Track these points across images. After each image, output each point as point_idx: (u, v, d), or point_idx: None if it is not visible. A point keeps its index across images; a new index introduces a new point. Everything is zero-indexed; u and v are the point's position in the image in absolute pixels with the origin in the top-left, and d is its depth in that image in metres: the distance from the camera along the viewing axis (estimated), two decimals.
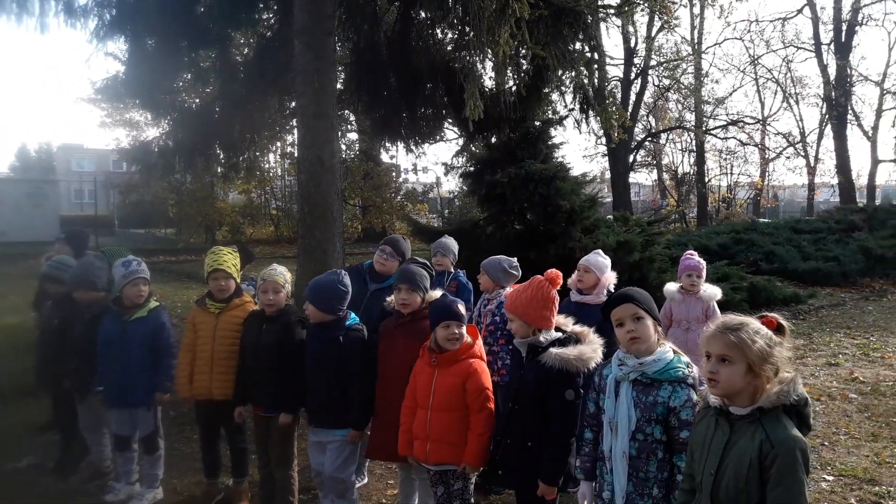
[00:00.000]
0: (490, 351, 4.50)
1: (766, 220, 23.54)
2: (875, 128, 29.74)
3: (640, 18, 24.36)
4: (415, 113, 9.54)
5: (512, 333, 3.34)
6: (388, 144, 12.93)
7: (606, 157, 27.78)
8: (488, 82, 8.20)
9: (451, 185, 29.65)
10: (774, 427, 2.14)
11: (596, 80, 9.21)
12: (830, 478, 4.84)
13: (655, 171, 35.42)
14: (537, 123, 9.52)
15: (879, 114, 29.57)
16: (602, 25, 11.37)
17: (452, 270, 5.54)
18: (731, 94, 42.20)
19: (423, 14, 8.66)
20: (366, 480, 4.84)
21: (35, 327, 5.42)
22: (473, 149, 11.01)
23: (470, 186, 10.33)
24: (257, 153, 12.46)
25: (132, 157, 11.81)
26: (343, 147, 24.36)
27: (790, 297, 11.68)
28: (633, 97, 26.85)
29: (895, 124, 28.51)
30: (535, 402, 3.08)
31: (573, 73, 8.62)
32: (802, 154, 32.21)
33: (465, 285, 5.36)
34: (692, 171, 32.76)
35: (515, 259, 4.96)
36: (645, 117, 30.58)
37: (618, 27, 23.20)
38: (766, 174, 34.57)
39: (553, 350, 3.03)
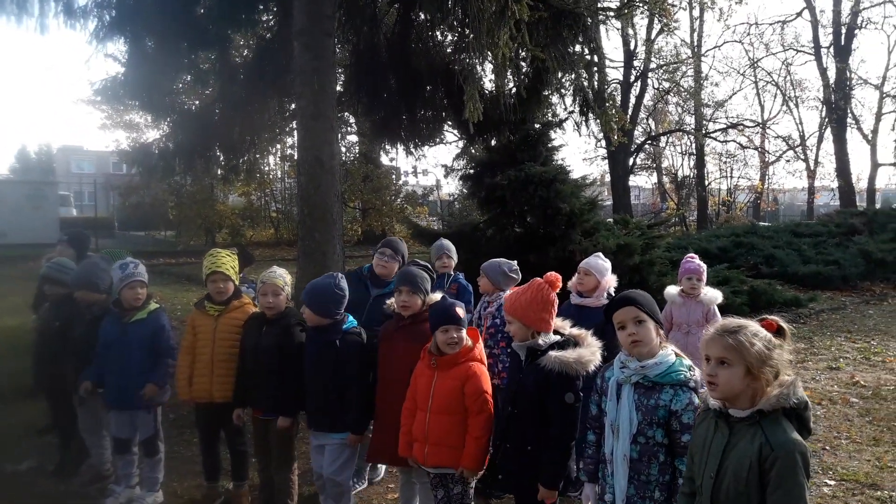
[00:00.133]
0: (490, 354, 4.49)
1: (767, 224, 23.56)
2: (875, 131, 29.76)
3: (640, 21, 24.45)
4: (414, 115, 9.53)
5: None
6: (387, 147, 12.91)
7: (606, 160, 27.80)
8: (488, 84, 8.20)
9: (451, 187, 29.66)
10: (774, 430, 2.13)
11: (596, 83, 9.22)
12: (832, 482, 4.83)
13: (655, 174, 35.41)
14: (537, 126, 9.52)
15: (879, 117, 29.60)
16: (602, 28, 11.35)
17: (452, 273, 5.53)
18: (730, 98, 42.12)
19: (422, 16, 8.66)
20: (366, 484, 4.83)
21: (34, 329, 5.41)
22: (473, 151, 11.00)
23: (470, 189, 10.33)
24: (257, 155, 12.44)
25: (132, 159, 11.79)
26: (343, 149, 24.36)
27: (790, 300, 11.66)
28: (632, 100, 26.87)
29: (895, 128, 28.55)
30: (534, 405, 3.07)
31: (573, 76, 8.62)
32: (802, 157, 32.26)
33: (466, 287, 5.35)
34: (692, 174, 32.75)
35: (515, 262, 4.95)
36: (645, 120, 30.62)
37: (617, 30, 23.17)
38: (766, 177, 34.61)
39: (552, 353, 3.02)
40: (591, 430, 2.96)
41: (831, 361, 8.38)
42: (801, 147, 32.21)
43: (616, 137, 10.54)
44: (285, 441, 4.14)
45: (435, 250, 5.71)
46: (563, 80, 8.89)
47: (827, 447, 5.49)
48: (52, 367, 4.85)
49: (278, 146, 23.08)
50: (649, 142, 31.29)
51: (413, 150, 10.68)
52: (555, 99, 9.48)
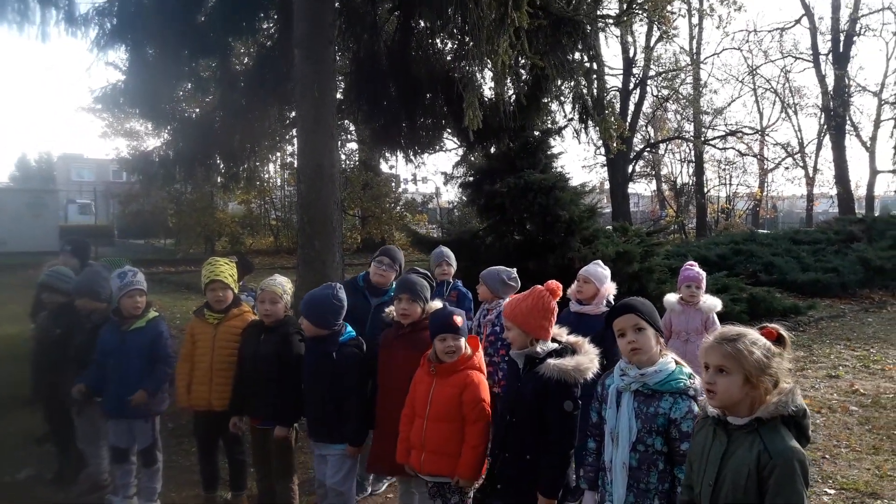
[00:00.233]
0: (490, 361, 4.49)
1: (765, 231, 23.58)
2: (873, 138, 29.85)
3: (639, 28, 24.57)
4: (414, 123, 9.55)
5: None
6: (387, 154, 12.99)
7: (605, 168, 27.85)
8: (488, 92, 8.23)
9: (451, 195, 29.76)
10: (773, 438, 2.13)
11: (595, 90, 9.25)
12: (832, 491, 4.82)
13: (654, 181, 35.51)
14: (536, 133, 9.55)
15: (878, 124, 29.67)
16: (601, 35, 11.40)
17: (451, 280, 5.53)
18: (729, 105, 42.47)
19: (422, 24, 8.69)
20: (368, 492, 4.80)
21: (32, 337, 5.40)
22: (473, 159, 11.04)
23: (469, 196, 10.34)
24: (257, 163, 12.47)
25: (132, 166, 11.83)
26: (342, 157, 24.42)
27: (789, 308, 11.66)
28: (631, 107, 26.94)
29: (893, 135, 28.60)
30: (532, 413, 3.06)
31: (572, 83, 8.65)
32: (801, 164, 32.35)
33: (466, 294, 5.35)
34: (691, 181, 32.84)
35: (514, 270, 4.95)
36: (644, 127, 30.69)
37: (617, 37, 23.38)
38: (765, 185, 34.65)
39: (551, 361, 3.01)
40: (591, 438, 2.95)
41: (830, 369, 8.37)
42: (799, 154, 32.33)
43: (615, 145, 10.58)
44: (285, 450, 4.13)
45: (434, 258, 5.71)
46: (563, 88, 8.93)
47: (826, 456, 5.48)
48: (52, 376, 4.83)
49: (278, 154, 23.15)
50: (648, 149, 31.39)
51: (413, 157, 10.72)
52: (554, 106, 9.53)
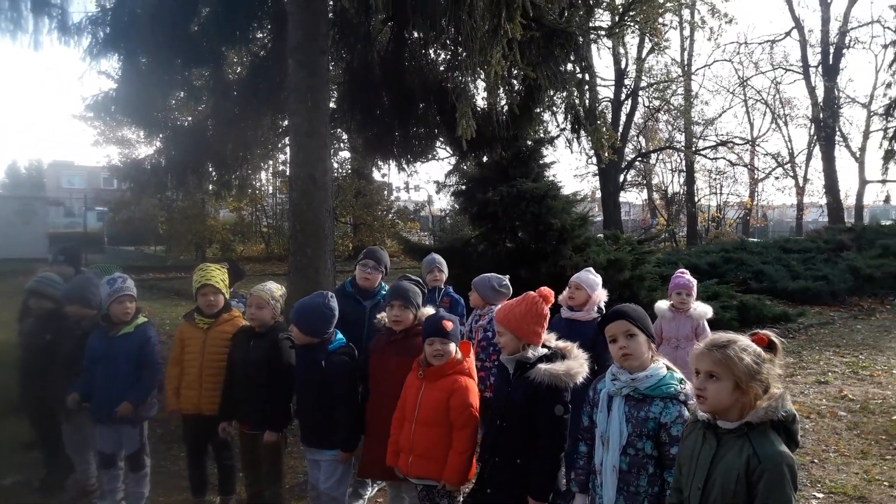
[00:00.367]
0: (482, 367, 4.51)
1: (756, 240, 23.69)
2: (863, 149, 30.07)
3: (631, 40, 24.76)
4: (407, 132, 9.58)
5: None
6: (380, 163, 13.03)
7: (597, 177, 27.94)
8: (480, 102, 8.27)
9: (443, 203, 29.79)
10: (762, 442, 2.15)
11: (587, 101, 9.30)
12: (820, 495, 4.85)
13: (645, 190, 35.62)
14: (529, 143, 9.61)
15: (867, 135, 29.89)
16: (593, 47, 11.51)
17: (443, 287, 5.55)
18: (720, 115, 42.78)
19: (416, 34, 8.73)
20: (365, 499, 4.79)
21: (18, 343, 5.37)
22: (465, 167, 11.08)
23: (462, 205, 10.39)
24: (249, 171, 12.46)
25: (124, 174, 11.77)
26: (335, 165, 24.42)
27: (779, 315, 11.72)
28: (623, 118, 27.13)
29: (882, 145, 28.85)
30: (523, 418, 3.08)
31: (564, 94, 8.70)
32: (791, 174, 32.56)
33: (458, 300, 5.37)
34: (682, 190, 33.01)
35: (506, 277, 4.97)
36: (635, 137, 30.86)
37: (608, 49, 23.41)
38: (756, 194, 34.86)
39: (542, 366, 3.03)
40: (582, 442, 2.97)
41: (820, 375, 8.42)
42: (789, 164, 32.55)
43: (607, 154, 10.61)
44: (275, 455, 4.13)
45: (426, 264, 5.73)
46: (555, 98, 8.98)
47: (815, 460, 5.51)
48: (40, 382, 4.80)
49: (270, 162, 23.13)
50: (640, 159, 31.55)
51: (405, 166, 10.73)
52: (546, 116, 9.59)
